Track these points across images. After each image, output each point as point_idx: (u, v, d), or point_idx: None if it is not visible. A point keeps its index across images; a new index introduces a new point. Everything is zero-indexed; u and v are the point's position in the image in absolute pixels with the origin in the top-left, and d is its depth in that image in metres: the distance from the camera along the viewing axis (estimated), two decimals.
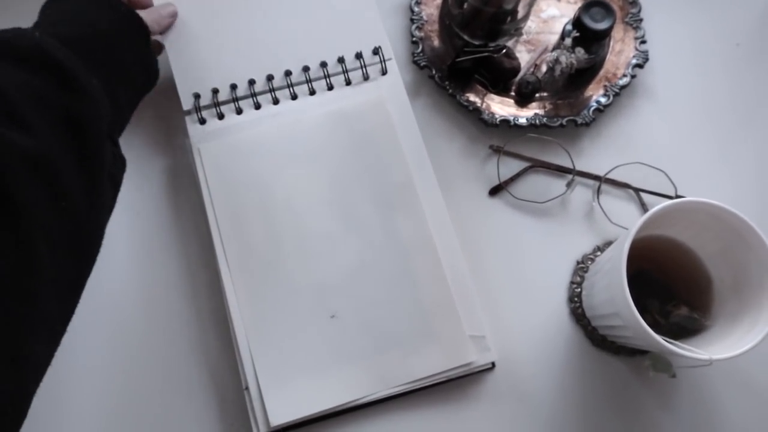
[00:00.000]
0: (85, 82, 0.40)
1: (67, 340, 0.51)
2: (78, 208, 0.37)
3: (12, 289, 0.32)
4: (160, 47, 0.57)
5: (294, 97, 0.58)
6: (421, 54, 0.61)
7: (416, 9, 0.63)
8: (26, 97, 0.36)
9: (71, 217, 0.36)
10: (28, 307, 0.33)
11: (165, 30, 0.56)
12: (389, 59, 0.59)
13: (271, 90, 0.58)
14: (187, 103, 0.57)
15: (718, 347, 0.45)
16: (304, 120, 0.57)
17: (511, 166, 0.59)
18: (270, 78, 0.58)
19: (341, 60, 0.58)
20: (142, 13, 0.51)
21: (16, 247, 0.32)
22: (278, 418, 0.49)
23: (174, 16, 0.57)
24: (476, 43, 0.60)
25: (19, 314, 0.32)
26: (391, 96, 0.58)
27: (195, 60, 0.58)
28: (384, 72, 0.59)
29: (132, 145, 0.57)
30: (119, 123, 0.47)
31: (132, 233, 0.56)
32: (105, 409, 0.52)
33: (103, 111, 0.41)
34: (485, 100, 0.60)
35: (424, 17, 0.63)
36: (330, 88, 0.58)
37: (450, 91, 0.59)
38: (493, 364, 0.53)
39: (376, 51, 0.59)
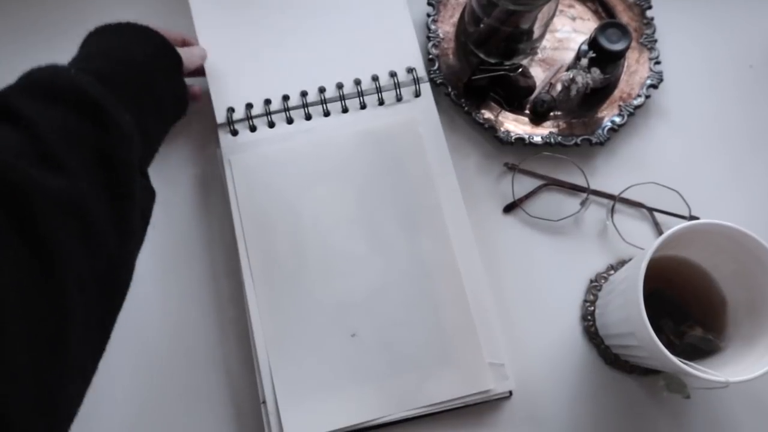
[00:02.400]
0: (119, 120, 0.40)
1: None
2: (110, 247, 0.37)
3: (45, 336, 0.31)
4: (196, 94, 0.58)
5: (327, 114, 0.59)
6: (437, 71, 0.61)
7: (433, 27, 0.63)
8: (60, 137, 0.36)
9: (103, 257, 0.36)
10: (61, 353, 0.32)
11: (194, 70, 0.57)
12: (423, 81, 0.60)
13: (305, 105, 0.58)
14: (220, 116, 0.58)
15: (732, 369, 0.45)
16: (335, 137, 0.58)
17: (525, 184, 0.59)
18: (304, 94, 0.59)
19: (375, 78, 0.59)
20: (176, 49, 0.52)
21: (50, 292, 0.32)
22: None
23: (204, 59, 0.58)
24: (492, 61, 0.61)
25: (53, 361, 0.32)
26: (424, 118, 0.59)
27: (230, 74, 0.59)
28: (417, 94, 0.59)
29: (163, 155, 0.58)
30: (149, 154, 0.47)
31: (158, 241, 0.57)
32: (123, 418, 0.53)
33: (135, 147, 0.42)
34: (500, 118, 0.60)
35: (441, 35, 0.63)
36: (363, 107, 0.59)
37: (465, 108, 0.60)
38: (510, 393, 0.53)
39: (410, 70, 0.59)
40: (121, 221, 0.38)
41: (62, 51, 0.64)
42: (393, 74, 0.59)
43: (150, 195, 0.45)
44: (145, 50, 0.48)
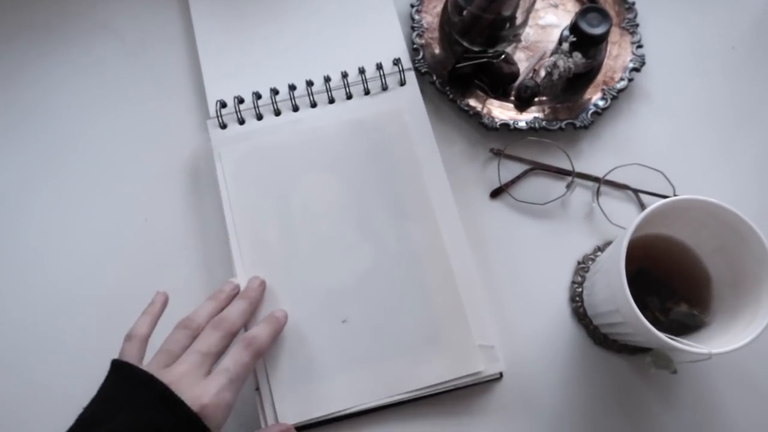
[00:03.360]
0: None
1: (78, 338, 0.52)
2: None
3: None
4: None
5: (314, 105, 0.60)
6: (422, 60, 0.62)
7: (417, 17, 0.64)
8: None
9: None
10: None
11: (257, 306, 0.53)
12: (408, 69, 0.61)
13: (292, 98, 0.59)
14: (212, 110, 0.59)
15: (717, 342, 0.45)
16: (322, 127, 0.59)
17: (511, 169, 0.60)
18: (292, 87, 0.60)
19: (362, 70, 0.60)
20: (231, 310, 0.49)
21: None
22: (287, 419, 0.50)
23: (263, 285, 0.54)
24: (476, 49, 0.62)
25: None
26: (409, 106, 0.60)
27: (223, 68, 0.61)
28: (402, 83, 0.60)
29: (157, 149, 0.61)
30: None
31: (151, 233, 0.59)
32: None
33: None
34: (485, 104, 0.61)
35: (425, 25, 0.64)
36: (349, 97, 0.60)
37: (450, 96, 0.61)
38: (501, 374, 0.53)
39: (396, 62, 0.60)
40: None
41: (56, 47, 0.65)
42: (379, 66, 0.60)
43: None
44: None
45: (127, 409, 0.41)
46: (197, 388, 0.43)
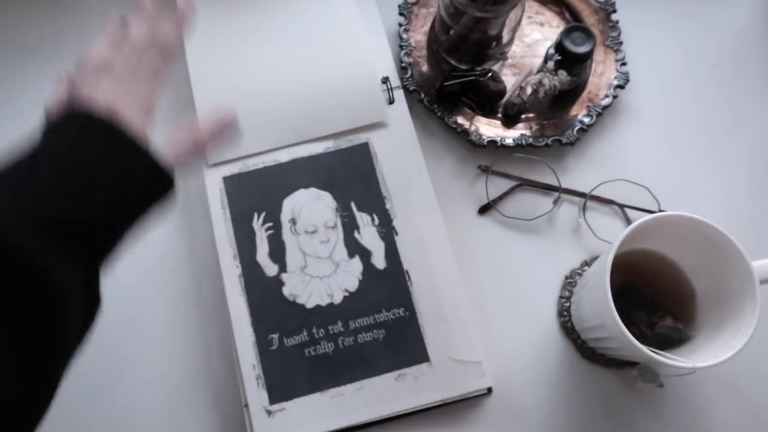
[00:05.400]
0: (60, 289, 0.33)
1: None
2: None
3: None
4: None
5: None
6: (410, 79, 0.63)
7: (405, 36, 0.65)
8: None
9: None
10: None
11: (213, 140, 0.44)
12: (397, 88, 0.61)
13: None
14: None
15: (702, 356, 0.46)
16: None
17: (499, 186, 0.61)
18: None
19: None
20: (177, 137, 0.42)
21: None
22: None
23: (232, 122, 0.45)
24: (463, 67, 0.63)
25: None
26: (398, 125, 0.60)
27: (215, 90, 0.61)
28: (391, 101, 0.61)
29: None
30: (110, 254, 0.38)
31: (140, 246, 0.58)
32: (107, 425, 0.53)
33: (76, 308, 0.35)
34: (473, 122, 0.62)
35: (413, 43, 0.65)
36: None
37: (438, 114, 0.62)
38: (489, 390, 0.53)
39: (384, 80, 0.61)
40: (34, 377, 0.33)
41: (56, 46, 0.65)
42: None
43: (94, 301, 0.37)
44: (124, 189, 0.37)
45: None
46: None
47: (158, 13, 0.46)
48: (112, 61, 0.42)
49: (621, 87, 0.63)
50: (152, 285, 0.58)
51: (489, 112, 0.63)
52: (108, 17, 0.45)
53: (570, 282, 0.58)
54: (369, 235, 0.56)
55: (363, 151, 0.59)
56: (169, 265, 0.58)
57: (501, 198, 0.60)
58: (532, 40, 0.66)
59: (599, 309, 0.48)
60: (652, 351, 0.44)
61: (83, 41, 0.43)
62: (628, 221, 0.60)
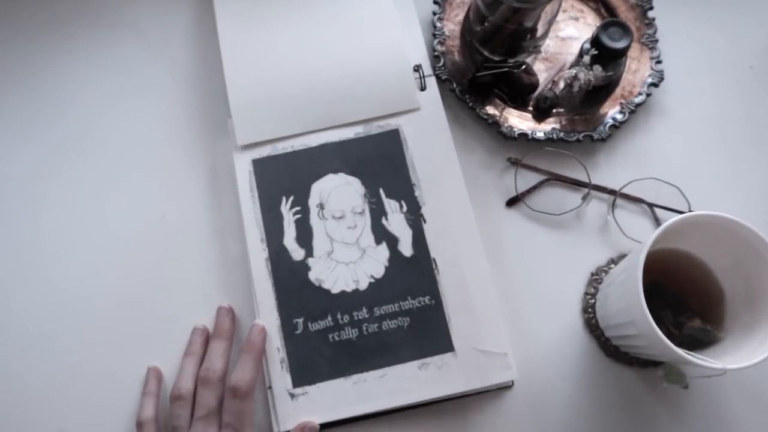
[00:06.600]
0: None
1: (92, 331, 0.53)
2: None
3: None
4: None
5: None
6: (442, 68, 0.63)
7: (438, 24, 0.65)
8: None
9: None
10: None
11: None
12: (429, 76, 0.61)
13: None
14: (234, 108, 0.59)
15: (731, 359, 0.45)
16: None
17: (528, 179, 0.61)
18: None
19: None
20: (211, 357, 0.52)
21: None
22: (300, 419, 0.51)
23: (230, 313, 0.55)
24: (496, 58, 0.62)
25: None
26: (430, 114, 0.60)
27: (247, 68, 0.61)
28: (423, 88, 0.60)
29: (177, 146, 0.62)
30: None
31: (168, 229, 0.59)
32: (131, 408, 0.54)
33: None
34: (504, 114, 0.61)
35: (446, 33, 0.65)
36: None
37: (470, 104, 0.61)
38: (512, 383, 0.53)
39: (417, 68, 0.61)
40: None
41: (79, 45, 0.66)
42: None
43: None
44: None
45: None
46: None
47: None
48: None
49: (655, 85, 0.62)
50: (178, 266, 0.58)
51: (520, 105, 0.62)
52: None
53: (596, 279, 0.58)
54: (397, 221, 0.56)
55: (393, 138, 0.59)
56: (195, 245, 0.58)
57: (529, 191, 0.60)
58: (566, 34, 0.65)
59: (628, 305, 0.47)
60: (684, 351, 0.44)
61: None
62: (657, 221, 0.59)
